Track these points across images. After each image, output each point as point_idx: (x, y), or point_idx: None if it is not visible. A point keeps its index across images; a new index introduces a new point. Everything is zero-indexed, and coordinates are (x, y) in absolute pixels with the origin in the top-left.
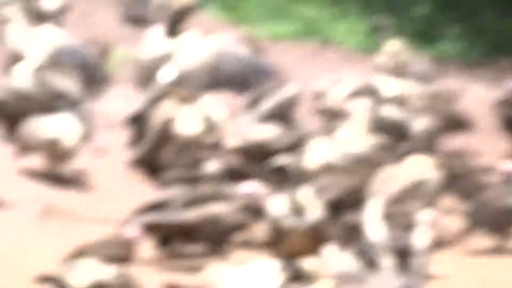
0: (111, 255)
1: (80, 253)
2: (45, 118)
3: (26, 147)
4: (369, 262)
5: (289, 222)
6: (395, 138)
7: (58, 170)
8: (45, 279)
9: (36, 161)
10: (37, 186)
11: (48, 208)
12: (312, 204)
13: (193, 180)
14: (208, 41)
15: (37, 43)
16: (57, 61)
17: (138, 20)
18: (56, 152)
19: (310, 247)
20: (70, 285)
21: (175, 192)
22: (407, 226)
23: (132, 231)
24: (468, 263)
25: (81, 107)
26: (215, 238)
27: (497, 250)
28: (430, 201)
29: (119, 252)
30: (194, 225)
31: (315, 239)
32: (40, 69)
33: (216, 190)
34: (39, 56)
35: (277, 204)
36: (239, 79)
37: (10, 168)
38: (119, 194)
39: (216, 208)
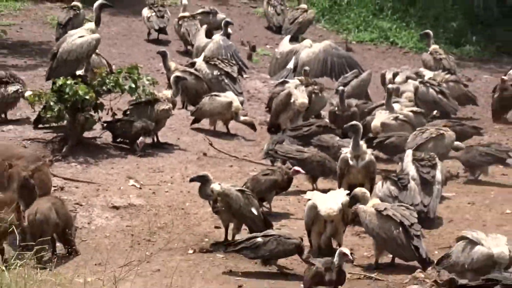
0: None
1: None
2: (218, 93)
3: (204, 113)
4: (403, 187)
5: (352, 163)
6: (431, 108)
7: (216, 128)
8: (198, 177)
9: (202, 124)
10: (202, 136)
11: (205, 150)
12: (366, 152)
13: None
14: (319, 44)
15: (211, 44)
16: (218, 54)
17: (276, 29)
18: (229, 112)
19: (363, 179)
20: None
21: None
22: (432, 165)
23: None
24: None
25: (238, 84)
26: (319, 172)
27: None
28: (447, 150)
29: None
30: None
31: (367, 174)
32: (209, 59)
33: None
34: (208, 51)
35: (346, 151)
36: (339, 68)
37: (186, 126)
38: (253, 141)
39: (323, 154)
